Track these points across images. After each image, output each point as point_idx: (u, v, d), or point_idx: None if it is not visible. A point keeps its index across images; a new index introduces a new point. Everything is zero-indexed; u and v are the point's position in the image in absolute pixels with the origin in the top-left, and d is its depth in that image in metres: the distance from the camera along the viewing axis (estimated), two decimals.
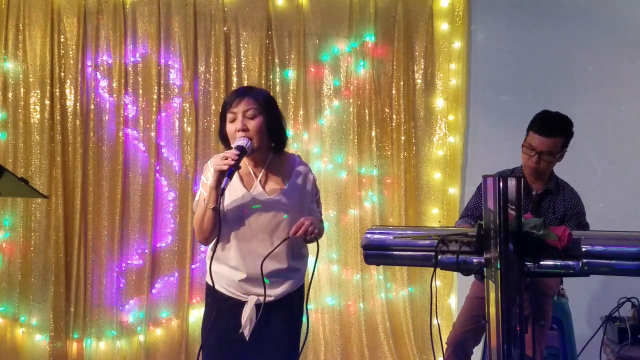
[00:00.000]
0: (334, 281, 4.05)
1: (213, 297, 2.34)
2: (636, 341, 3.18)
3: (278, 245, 2.24)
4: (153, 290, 3.95)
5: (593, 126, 3.91)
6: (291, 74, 4.06)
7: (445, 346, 3.02)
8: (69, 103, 3.94)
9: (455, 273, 3.00)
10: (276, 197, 2.28)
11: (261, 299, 2.26)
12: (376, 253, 2.05)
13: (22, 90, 3.90)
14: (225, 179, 2.12)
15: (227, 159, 2.14)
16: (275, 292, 2.30)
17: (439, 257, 1.87)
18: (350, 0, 4.06)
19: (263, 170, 2.32)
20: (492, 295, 1.73)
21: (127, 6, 3.97)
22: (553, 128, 2.81)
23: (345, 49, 4.08)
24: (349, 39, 4.07)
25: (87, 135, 3.95)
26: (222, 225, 2.22)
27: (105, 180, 3.95)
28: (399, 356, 3.96)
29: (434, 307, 1.98)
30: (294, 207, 2.30)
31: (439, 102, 4.10)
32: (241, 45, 4.04)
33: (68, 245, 3.91)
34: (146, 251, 3.95)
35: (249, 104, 2.24)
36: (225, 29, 4.02)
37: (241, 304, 2.30)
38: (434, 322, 2.02)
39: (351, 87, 4.08)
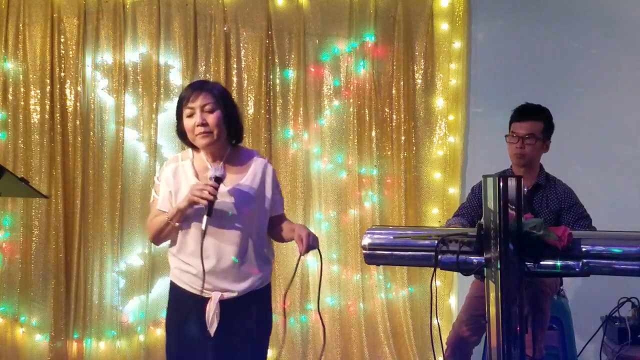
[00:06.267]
0: (334, 281, 4.05)
1: (177, 295, 2.32)
2: (636, 341, 3.17)
3: (297, 266, 2.30)
4: (153, 290, 3.95)
5: (593, 126, 3.91)
6: (291, 74, 4.06)
7: (445, 346, 3.02)
8: (69, 103, 3.94)
9: (455, 273, 3.00)
10: (234, 189, 2.27)
11: (225, 295, 2.24)
12: (376, 253, 2.06)
13: (22, 90, 3.90)
14: (205, 217, 2.13)
15: (204, 191, 2.12)
16: (239, 287, 2.26)
17: (439, 257, 1.87)
18: (350, 0, 4.06)
19: (221, 164, 2.30)
20: (492, 295, 1.73)
21: (127, 6, 3.97)
22: (528, 112, 2.97)
23: (345, 49, 4.08)
24: (349, 39, 4.07)
25: (87, 135, 3.95)
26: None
27: (105, 180, 3.95)
28: (399, 356, 3.96)
29: (434, 307, 1.98)
30: (252, 198, 2.29)
31: (439, 102, 4.09)
32: (241, 45, 4.04)
33: (68, 245, 3.90)
34: (146, 251, 3.94)
35: (206, 98, 2.25)
36: (225, 29, 4.02)
37: (205, 301, 2.24)
38: (434, 322, 2.01)
39: (351, 87, 4.07)
